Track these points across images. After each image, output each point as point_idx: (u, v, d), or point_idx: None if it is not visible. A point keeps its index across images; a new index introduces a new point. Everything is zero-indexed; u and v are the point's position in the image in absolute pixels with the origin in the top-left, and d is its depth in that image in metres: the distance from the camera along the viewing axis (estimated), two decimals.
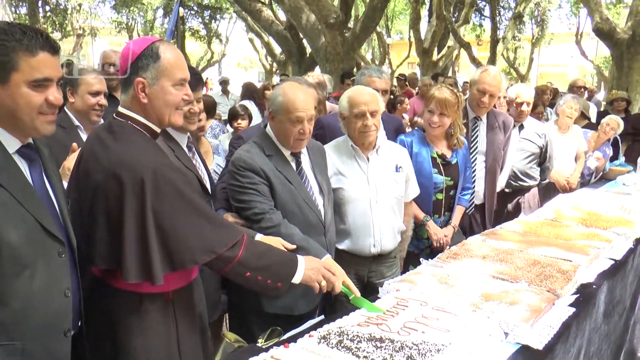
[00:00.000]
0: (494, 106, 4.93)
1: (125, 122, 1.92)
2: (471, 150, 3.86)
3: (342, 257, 2.84)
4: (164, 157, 1.94)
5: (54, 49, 1.60)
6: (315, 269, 2.09)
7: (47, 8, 23.21)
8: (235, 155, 2.57)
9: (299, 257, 2.10)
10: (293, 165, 2.63)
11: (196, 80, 2.57)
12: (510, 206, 4.67)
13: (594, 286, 2.51)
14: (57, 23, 23.32)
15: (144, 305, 1.93)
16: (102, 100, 3.07)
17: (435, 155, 3.37)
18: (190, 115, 2.56)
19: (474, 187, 3.84)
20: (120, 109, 1.96)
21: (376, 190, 2.90)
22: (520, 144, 4.58)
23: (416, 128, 4.09)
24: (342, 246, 2.90)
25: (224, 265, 1.92)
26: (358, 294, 2.20)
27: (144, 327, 1.94)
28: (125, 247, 1.80)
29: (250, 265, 1.95)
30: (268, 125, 2.65)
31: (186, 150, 2.59)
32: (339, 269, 2.25)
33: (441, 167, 3.37)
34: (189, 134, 2.67)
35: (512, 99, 4.64)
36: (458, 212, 3.52)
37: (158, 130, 1.99)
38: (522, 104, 4.53)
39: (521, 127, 4.64)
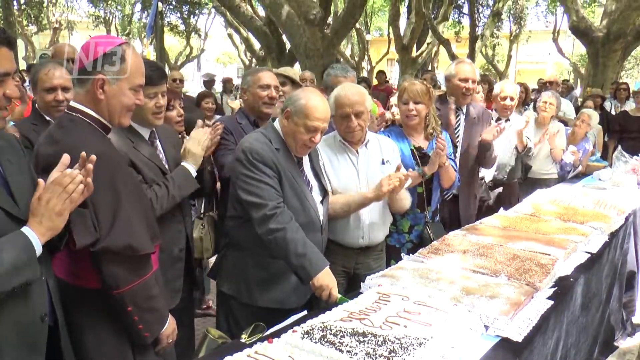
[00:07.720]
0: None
1: (76, 116, 1.95)
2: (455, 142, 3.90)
3: (330, 248, 2.87)
4: (110, 149, 1.99)
5: (10, 44, 1.62)
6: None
7: (22, 0, 22.68)
8: (246, 144, 2.52)
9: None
10: (295, 162, 2.64)
11: (159, 74, 2.58)
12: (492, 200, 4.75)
13: (571, 279, 2.56)
14: (32, 16, 22.85)
15: (95, 301, 1.96)
16: (60, 96, 2.93)
17: (412, 148, 3.39)
18: (157, 110, 2.55)
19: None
20: (72, 103, 2.00)
21: (366, 183, 2.92)
22: (507, 138, 4.67)
23: (394, 124, 4.11)
24: (330, 237, 2.90)
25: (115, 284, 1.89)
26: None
27: (95, 323, 1.98)
28: None
29: (136, 300, 1.94)
30: (277, 120, 2.64)
31: (149, 143, 2.61)
32: (331, 279, 2.37)
33: (418, 160, 3.38)
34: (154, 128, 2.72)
35: (497, 93, 4.73)
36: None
37: (109, 125, 2.02)
38: (505, 98, 4.64)
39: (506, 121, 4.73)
